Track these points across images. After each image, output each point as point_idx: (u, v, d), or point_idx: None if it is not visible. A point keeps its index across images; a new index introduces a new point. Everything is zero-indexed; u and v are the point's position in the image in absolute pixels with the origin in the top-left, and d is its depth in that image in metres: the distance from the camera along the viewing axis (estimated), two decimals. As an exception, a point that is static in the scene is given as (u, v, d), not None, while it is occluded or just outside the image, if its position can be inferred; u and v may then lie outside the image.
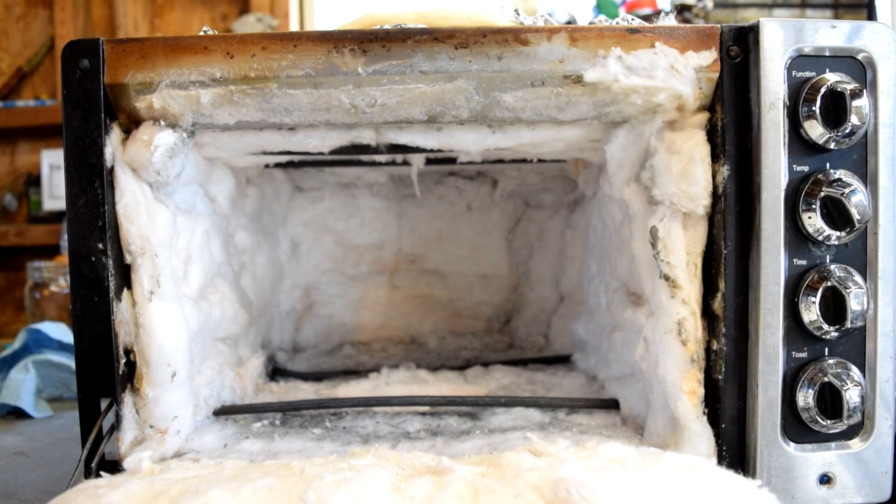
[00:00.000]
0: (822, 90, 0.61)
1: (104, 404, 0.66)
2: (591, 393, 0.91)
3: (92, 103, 0.65)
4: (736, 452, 0.65)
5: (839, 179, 0.61)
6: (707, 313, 0.66)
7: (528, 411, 0.80)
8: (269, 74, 0.64)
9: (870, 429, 0.64)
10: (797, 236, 0.63)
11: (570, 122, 0.70)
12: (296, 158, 0.90)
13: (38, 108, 2.41)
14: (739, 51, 0.64)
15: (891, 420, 0.64)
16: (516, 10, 0.77)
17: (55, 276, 1.72)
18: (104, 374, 0.66)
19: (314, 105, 0.66)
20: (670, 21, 0.71)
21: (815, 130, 0.62)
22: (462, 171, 1.32)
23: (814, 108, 0.61)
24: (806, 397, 0.63)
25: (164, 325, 0.67)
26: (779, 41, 0.62)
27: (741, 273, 0.64)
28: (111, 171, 0.66)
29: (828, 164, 0.63)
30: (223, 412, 0.80)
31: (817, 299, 0.62)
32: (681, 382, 0.65)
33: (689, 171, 0.64)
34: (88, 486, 0.53)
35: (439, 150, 0.78)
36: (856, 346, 0.64)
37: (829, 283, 0.62)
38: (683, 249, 0.65)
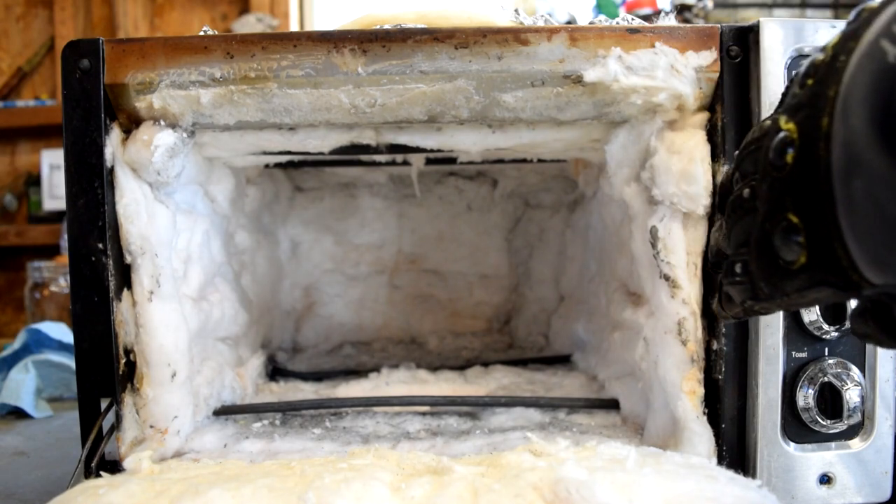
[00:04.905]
0: (822, 90, 0.61)
1: (104, 404, 0.66)
2: (591, 393, 0.91)
3: (92, 103, 0.65)
4: (736, 452, 0.64)
5: (839, 179, 0.61)
6: (707, 313, 0.66)
7: (528, 411, 0.80)
8: (269, 74, 0.64)
9: (870, 429, 0.64)
10: (797, 236, 0.63)
11: (570, 122, 0.70)
12: (296, 158, 0.90)
13: (38, 108, 2.40)
14: (739, 51, 0.64)
15: (891, 420, 0.64)
16: (516, 10, 0.77)
17: (55, 276, 1.72)
18: (104, 374, 0.66)
19: (314, 105, 0.66)
20: (670, 21, 0.71)
21: (815, 130, 0.61)
22: (462, 171, 1.32)
23: (814, 108, 0.61)
24: (806, 397, 0.63)
25: (164, 325, 0.67)
26: (779, 41, 0.62)
27: (741, 273, 0.64)
28: (111, 171, 0.66)
29: (828, 164, 0.63)
30: (223, 412, 0.80)
31: (817, 299, 0.62)
32: (681, 382, 0.64)
33: (690, 171, 0.64)
34: (88, 486, 0.53)
35: (439, 150, 0.78)
36: (856, 346, 0.64)
37: (829, 283, 0.62)
38: (683, 249, 0.65)
